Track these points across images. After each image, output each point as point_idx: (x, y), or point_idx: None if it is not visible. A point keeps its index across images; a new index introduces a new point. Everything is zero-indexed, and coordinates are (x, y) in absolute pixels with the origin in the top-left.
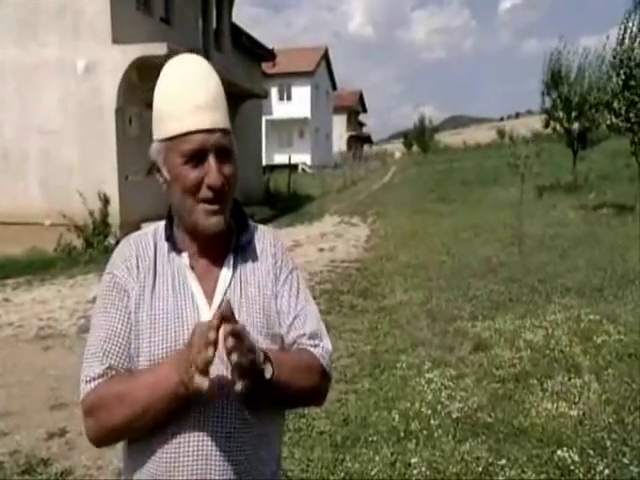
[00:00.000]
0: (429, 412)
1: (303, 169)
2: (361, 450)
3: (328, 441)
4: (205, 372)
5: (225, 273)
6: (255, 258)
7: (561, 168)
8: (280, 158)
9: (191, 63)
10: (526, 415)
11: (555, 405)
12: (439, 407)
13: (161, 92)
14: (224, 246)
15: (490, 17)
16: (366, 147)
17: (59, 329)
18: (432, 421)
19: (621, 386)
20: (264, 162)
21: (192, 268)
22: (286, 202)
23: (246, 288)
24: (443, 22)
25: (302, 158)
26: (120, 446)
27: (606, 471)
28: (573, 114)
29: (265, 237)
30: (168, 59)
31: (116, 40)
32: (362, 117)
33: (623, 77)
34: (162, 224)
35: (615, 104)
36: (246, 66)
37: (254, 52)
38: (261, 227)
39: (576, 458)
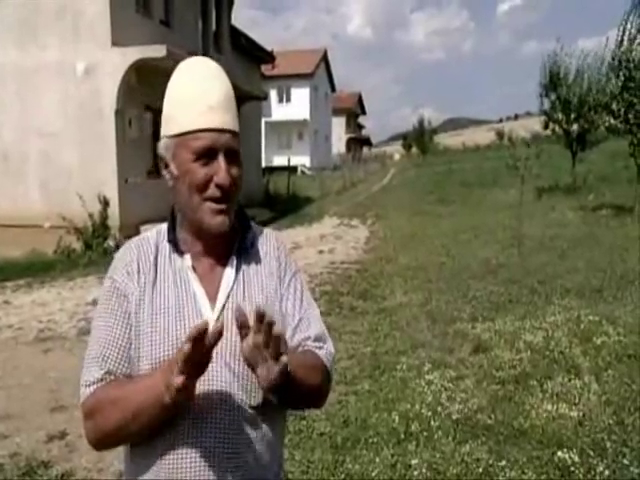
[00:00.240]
0: (429, 413)
1: (302, 171)
2: (361, 452)
3: (328, 443)
4: (185, 372)
5: (228, 274)
6: (258, 260)
7: (560, 169)
8: (279, 160)
9: (203, 65)
10: (526, 416)
11: (555, 406)
12: (439, 408)
13: (173, 93)
14: (227, 247)
15: (489, 19)
16: (365, 149)
17: (59, 331)
18: (432, 422)
19: (621, 387)
20: (263, 164)
21: (194, 269)
22: (285, 204)
23: (249, 290)
24: (442, 24)
25: (301, 160)
26: (121, 448)
27: (606, 472)
28: (572, 116)
29: (268, 240)
30: (167, 61)
31: (116, 42)
32: (361, 119)
33: (622, 79)
34: (165, 226)
35: (614, 106)
36: (245, 68)
37: (253, 54)
38: (264, 230)
39: (576, 459)
